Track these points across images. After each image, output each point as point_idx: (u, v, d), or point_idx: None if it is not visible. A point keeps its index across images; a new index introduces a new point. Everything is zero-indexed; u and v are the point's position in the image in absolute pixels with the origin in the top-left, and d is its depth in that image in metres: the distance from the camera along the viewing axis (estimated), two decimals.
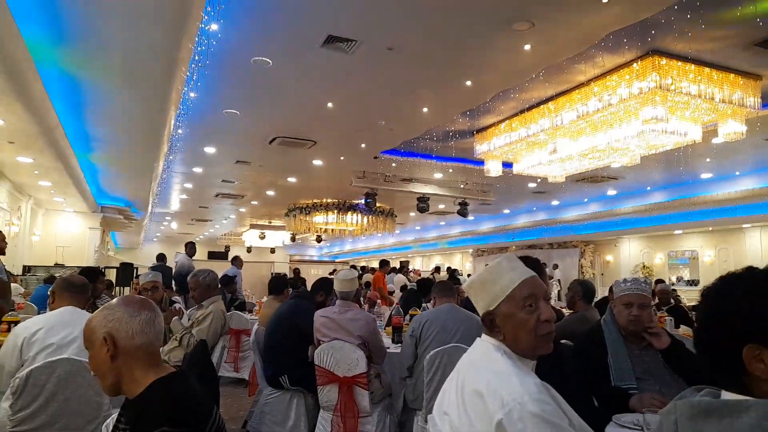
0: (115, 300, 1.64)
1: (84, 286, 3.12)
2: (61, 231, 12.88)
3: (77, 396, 2.52)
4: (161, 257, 8.62)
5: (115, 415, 1.62)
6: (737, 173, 10.61)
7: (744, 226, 13.09)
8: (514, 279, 1.48)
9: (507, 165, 8.77)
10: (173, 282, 6.39)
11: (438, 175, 11.03)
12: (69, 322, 2.81)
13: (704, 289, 1.10)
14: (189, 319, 4.10)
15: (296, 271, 14.90)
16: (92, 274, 4.50)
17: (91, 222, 13.04)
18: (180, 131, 7.57)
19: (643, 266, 15.94)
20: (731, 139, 6.50)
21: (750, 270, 1.05)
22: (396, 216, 15.14)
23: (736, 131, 6.37)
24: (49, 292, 3.11)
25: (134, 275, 13.21)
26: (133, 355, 1.53)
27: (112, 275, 13.43)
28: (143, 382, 1.52)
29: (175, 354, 3.64)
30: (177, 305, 4.30)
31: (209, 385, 3.26)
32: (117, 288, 12.84)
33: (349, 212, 14.04)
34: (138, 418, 1.45)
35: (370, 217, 14.24)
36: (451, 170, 10.44)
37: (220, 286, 6.92)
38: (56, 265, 11.37)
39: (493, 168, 8.55)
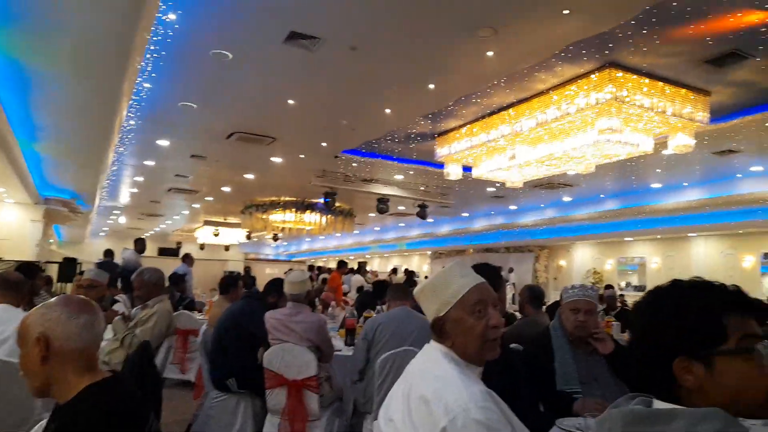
0: (55, 299, 1.54)
1: (20, 283, 2.95)
2: (0, 223, 12.20)
3: (7, 398, 2.40)
4: (108, 253, 8.27)
5: (44, 421, 1.55)
6: (685, 184, 11.06)
7: (690, 234, 13.67)
8: (465, 284, 1.49)
9: (467, 169, 8.84)
10: (119, 280, 6.12)
11: (398, 177, 11.03)
12: (2, 320, 2.67)
13: (635, 304, 1.14)
14: (133, 319, 3.92)
15: (247, 270, 14.61)
16: (30, 270, 4.26)
17: (32, 214, 12.39)
18: (132, 122, 7.28)
19: (594, 271, 16.43)
20: (680, 151, 6.74)
21: (676, 283, 1.08)
22: (355, 216, 15.08)
23: (686, 144, 6.61)
24: None
25: (77, 271, 12.64)
26: (67, 359, 1.45)
27: (54, 270, 12.81)
28: (76, 386, 1.45)
29: (116, 355, 3.47)
30: (117, 305, 4.10)
31: (151, 388, 3.11)
32: (58, 284, 12.25)
33: (308, 211, 13.88)
34: (68, 424, 1.39)
35: (328, 216, 14.12)
36: (411, 172, 10.46)
37: (168, 284, 6.70)
38: None
39: (453, 171, 8.60)
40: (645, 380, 1.05)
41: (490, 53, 5.10)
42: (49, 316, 1.46)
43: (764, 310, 1.05)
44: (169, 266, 7.77)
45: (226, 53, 5.27)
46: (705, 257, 13.70)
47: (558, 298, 3.12)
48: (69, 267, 13.08)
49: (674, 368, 1.00)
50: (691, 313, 1.02)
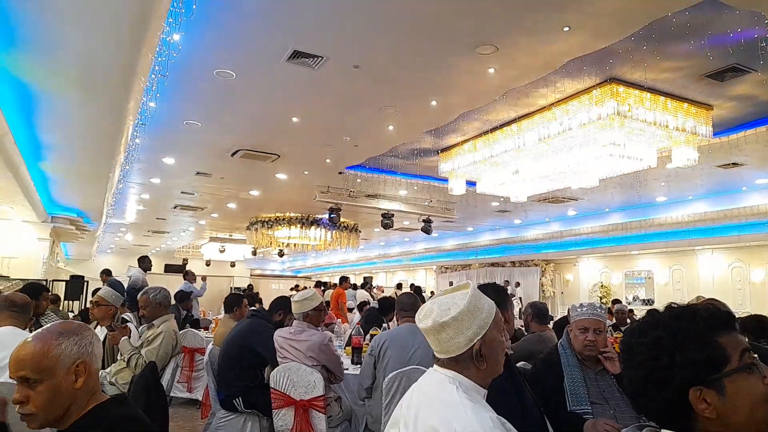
0: (67, 324, 1.53)
1: (26, 305, 2.96)
2: (8, 241, 12.23)
3: (14, 421, 2.37)
4: (107, 272, 8.28)
5: None
6: (690, 197, 11.02)
7: (696, 248, 13.58)
8: (491, 304, 1.50)
9: (471, 183, 8.85)
10: (124, 297, 6.13)
11: (403, 192, 11.05)
12: (8, 343, 2.65)
13: (624, 344, 1.14)
14: (139, 338, 3.92)
15: (249, 287, 14.56)
16: (35, 290, 4.27)
17: (40, 232, 12.45)
18: (138, 141, 7.34)
19: (602, 285, 16.32)
20: (684, 165, 6.74)
21: (659, 317, 1.09)
22: (360, 231, 15.07)
23: (689, 158, 6.61)
24: None
25: (84, 289, 12.66)
26: (91, 379, 1.49)
27: (61, 288, 12.84)
28: (84, 408, 1.46)
29: (122, 376, 3.46)
30: (131, 325, 4.11)
31: (157, 409, 3.10)
32: (65, 302, 12.27)
33: (313, 227, 13.90)
34: None
35: (333, 232, 14.13)
36: (415, 187, 10.48)
37: (174, 302, 6.71)
38: (1, 277, 10.79)
39: (457, 186, 8.62)
40: (663, 416, 1.06)
41: (491, 70, 5.14)
42: (85, 341, 1.49)
43: (734, 320, 1.08)
44: (176, 283, 7.78)
45: (230, 72, 5.33)
46: (713, 270, 13.60)
47: (565, 313, 3.10)
48: (76, 285, 13.10)
49: (691, 400, 1.01)
50: (692, 343, 1.03)
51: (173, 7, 3.97)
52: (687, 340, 1.03)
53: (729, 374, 1.01)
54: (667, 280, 14.73)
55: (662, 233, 12.39)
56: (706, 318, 1.06)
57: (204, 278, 10.27)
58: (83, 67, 4.79)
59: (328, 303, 8.92)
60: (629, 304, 14.52)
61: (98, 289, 4.09)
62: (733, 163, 8.23)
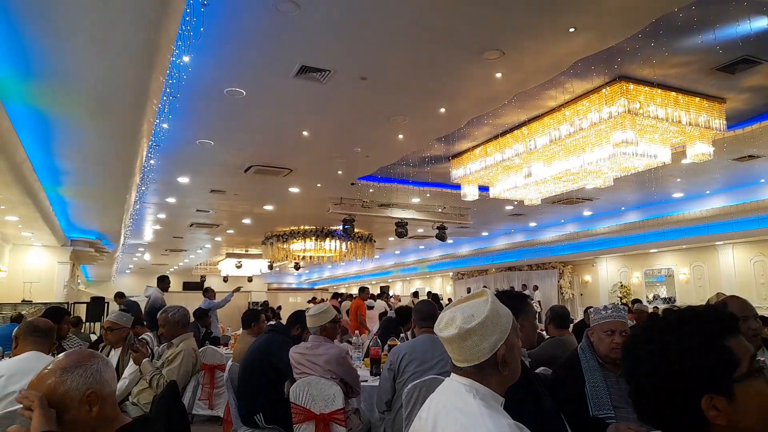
0: (71, 357, 1.55)
1: (49, 330, 2.99)
2: (29, 266, 12.46)
3: None
4: (120, 295, 8.42)
5: None
6: (707, 192, 10.86)
7: (716, 243, 13.35)
8: (508, 309, 1.52)
9: (483, 188, 8.82)
10: (144, 317, 6.21)
11: (415, 200, 11.05)
12: (32, 369, 2.69)
13: (626, 352, 1.11)
14: (159, 357, 3.95)
15: (265, 303, 14.60)
16: (57, 314, 4.33)
17: (60, 256, 12.66)
18: (152, 162, 7.46)
19: (621, 285, 16.10)
20: (699, 159, 6.65)
21: (667, 320, 1.07)
22: (375, 241, 15.08)
23: (704, 152, 6.52)
24: (12, 337, 2.99)
25: (105, 310, 12.81)
26: (107, 404, 1.51)
27: (82, 310, 13.01)
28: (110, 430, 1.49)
29: (144, 396, 3.49)
30: (145, 339, 4.15)
31: (179, 428, 3.12)
32: (87, 324, 12.43)
33: (328, 239, 13.94)
34: None
35: (348, 243, 14.15)
36: (428, 195, 10.47)
37: (193, 320, 6.76)
38: (24, 302, 10.97)
39: (470, 192, 8.59)
40: (672, 426, 1.03)
41: (498, 75, 5.14)
42: (91, 370, 1.50)
43: (738, 323, 1.05)
44: (195, 300, 7.83)
45: (240, 90, 5.40)
46: (734, 265, 13.34)
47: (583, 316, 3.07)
48: (96, 306, 13.26)
49: (704, 408, 0.98)
50: (703, 348, 1.00)
51: (182, 30, 4.04)
52: (698, 345, 1.00)
53: (740, 380, 0.98)
54: (688, 277, 14.49)
55: (681, 230, 12.20)
56: (713, 321, 1.03)
57: (238, 289, 10.26)
58: (97, 93, 4.89)
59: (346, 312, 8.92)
60: (650, 303, 14.32)
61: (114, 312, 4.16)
62: (750, 156, 8.10)
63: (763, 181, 9.80)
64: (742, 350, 1.01)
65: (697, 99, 6.07)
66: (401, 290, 25.68)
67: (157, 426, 1.64)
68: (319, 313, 3.65)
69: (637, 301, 10.36)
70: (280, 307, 14.95)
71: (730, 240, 12.87)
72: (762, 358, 1.03)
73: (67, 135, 6.00)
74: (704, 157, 6.57)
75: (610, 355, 2.55)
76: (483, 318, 1.43)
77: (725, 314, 1.05)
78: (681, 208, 11.49)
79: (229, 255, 19.56)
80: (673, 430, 1.03)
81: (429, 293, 14.90)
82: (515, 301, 2.15)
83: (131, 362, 3.66)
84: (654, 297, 15.40)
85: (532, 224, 14.67)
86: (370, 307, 10.76)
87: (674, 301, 14.76)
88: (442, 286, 24.14)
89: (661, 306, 13.99)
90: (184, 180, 8.84)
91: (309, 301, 16.27)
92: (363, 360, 5.02)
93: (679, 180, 9.71)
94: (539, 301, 16.35)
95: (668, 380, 1.01)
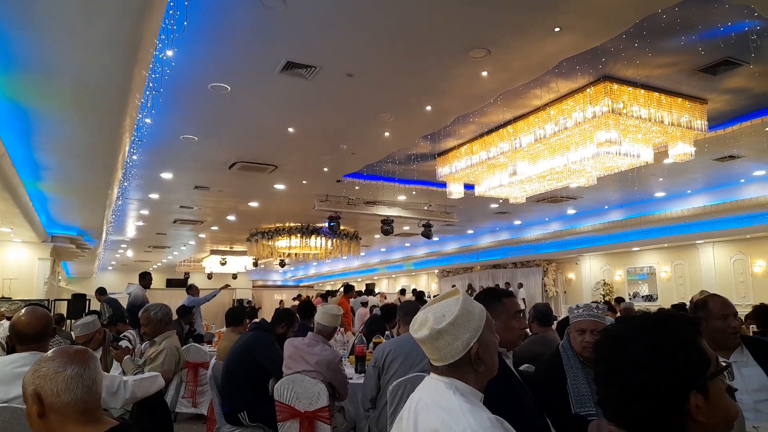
0: (50, 352, 1.54)
1: (40, 333, 2.81)
2: (9, 262, 12.23)
3: None
4: (101, 291, 8.31)
5: None
6: (689, 192, 11.02)
7: (697, 242, 13.57)
8: (481, 307, 1.53)
9: (469, 187, 8.85)
10: (125, 315, 6.13)
11: (401, 198, 11.05)
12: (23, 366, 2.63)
13: (598, 357, 1.11)
14: (141, 356, 3.91)
15: (248, 302, 14.56)
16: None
17: (40, 252, 12.44)
18: (135, 157, 7.36)
19: (604, 283, 16.30)
20: (681, 159, 6.74)
21: (644, 321, 1.09)
22: (360, 239, 15.07)
23: (686, 152, 6.61)
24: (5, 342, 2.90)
25: (87, 307, 12.64)
26: (63, 413, 1.44)
27: (63, 307, 12.82)
28: None
29: None
30: (124, 342, 4.09)
31: (162, 426, 3.09)
32: (68, 321, 12.25)
33: (313, 236, 13.89)
34: None
35: (334, 240, 14.12)
36: (414, 192, 10.48)
37: (176, 317, 6.70)
38: (3, 298, 10.78)
39: (455, 190, 8.62)
40: (651, 426, 1.04)
41: (484, 73, 5.15)
42: (39, 373, 1.46)
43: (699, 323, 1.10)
44: (178, 297, 7.75)
45: (224, 86, 5.34)
46: (714, 264, 13.58)
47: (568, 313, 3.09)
48: (78, 303, 13.09)
49: (691, 405, 1.00)
50: (688, 346, 1.03)
51: (165, 24, 3.99)
52: (684, 343, 1.03)
53: (712, 377, 1.02)
54: (670, 275, 14.71)
55: (663, 228, 12.38)
56: (688, 321, 1.07)
57: (226, 287, 10.22)
58: (78, 86, 4.80)
59: None
60: (632, 299, 14.51)
61: (90, 311, 4.08)
62: (730, 156, 8.23)
63: (743, 181, 9.97)
64: (710, 351, 1.05)
65: (680, 100, 6.15)
66: (387, 288, 25.70)
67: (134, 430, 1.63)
68: (334, 315, 3.66)
69: (621, 299, 10.48)
70: (260, 308, 14.92)
71: (710, 239, 13.10)
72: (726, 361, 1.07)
73: (47, 129, 5.89)
74: (686, 157, 6.67)
75: (583, 353, 2.58)
76: (454, 317, 1.45)
77: (691, 317, 1.10)
78: (663, 207, 11.65)
79: (213, 252, 19.40)
80: (648, 429, 1.04)
81: (414, 291, 14.94)
82: (489, 297, 2.19)
83: (114, 362, 3.61)
84: (634, 294, 15.62)
85: (517, 222, 14.77)
86: (364, 303, 10.76)
87: (656, 299, 14.99)
88: (427, 283, 24.22)
89: (643, 304, 14.19)
90: (167, 176, 8.74)
91: (294, 299, 16.21)
92: (348, 357, 5.01)
93: (661, 179, 9.84)
94: (523, 299, 16.48)
95: (660, 377, 1.02)
